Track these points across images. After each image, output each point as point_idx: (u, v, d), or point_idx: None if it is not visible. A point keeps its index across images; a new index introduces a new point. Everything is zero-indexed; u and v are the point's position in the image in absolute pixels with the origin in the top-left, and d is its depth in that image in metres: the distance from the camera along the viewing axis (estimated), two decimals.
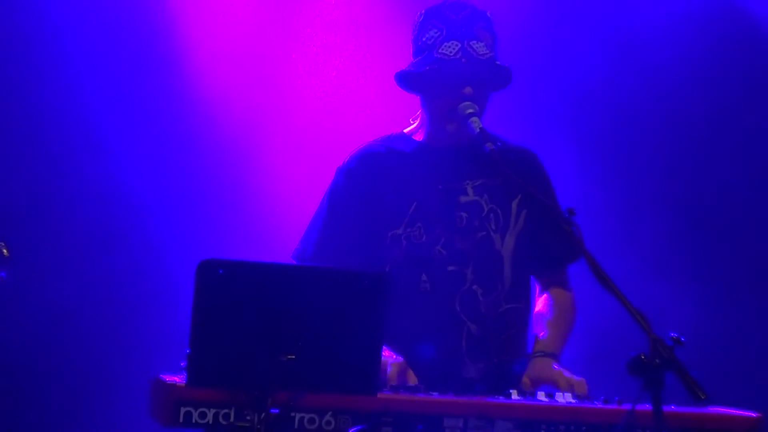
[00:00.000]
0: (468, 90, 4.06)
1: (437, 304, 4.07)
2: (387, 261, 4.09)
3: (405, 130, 4.29)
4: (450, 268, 4.08)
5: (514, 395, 3.53)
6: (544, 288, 4.25)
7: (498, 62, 4.12)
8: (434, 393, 3.49)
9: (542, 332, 4.13)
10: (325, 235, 4.14)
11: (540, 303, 4.22)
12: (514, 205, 4.16)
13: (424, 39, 4.14)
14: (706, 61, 6.30)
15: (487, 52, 4.08)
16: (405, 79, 4.18)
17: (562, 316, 4.18)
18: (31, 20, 5.70)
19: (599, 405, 3.57)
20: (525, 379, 3.96)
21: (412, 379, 3.83)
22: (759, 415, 3.60)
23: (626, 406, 3.47)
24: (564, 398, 3.58)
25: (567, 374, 3.88)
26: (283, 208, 5.82)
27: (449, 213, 4.12)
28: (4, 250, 4.01)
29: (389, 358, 3.82)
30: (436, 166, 4.17)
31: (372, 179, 4.16)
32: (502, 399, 3.50)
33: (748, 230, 6.31)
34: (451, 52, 4.07)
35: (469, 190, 4.16)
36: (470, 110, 4.02)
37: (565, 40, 6.27)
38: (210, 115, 5.92)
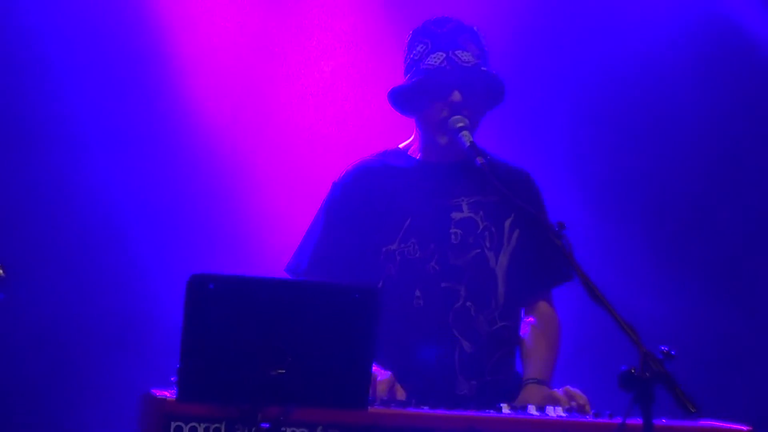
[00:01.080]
0: (456, 95, 4.07)
1: (430, 320, 4.06)
2: (381, 276, 4.09)
3: (401, 146, 4.30)
4: (443, 284, 4.08)
5: (505, 409, 3.53)
6: (531, 308, 4.25)
7: (485, 69, 4.13)
8: (425, 407, 3.49)
9: (533, 357, 4.12)
10: (319, 250, 4.14)
11: (528, 324, 4.22)
12: (507, 224, 4.17)
13: (411, 56, 4.18)
14: (701, 75, 6.33)
15: (473, 60, 4.10)
16: (397, 98, 4.19)
17: (550, 339, 4.19)
18: (14, 22, 5.68)
19: (590, 419, 3.57)
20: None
21: (400, 394, 3.83)
22: (750, 428, 3.60)
23: (617, 420, 3.47)
24: (555, 412, 3.58)
25: (562, 392, 3.87)
26: (273, 222, 5.82)
27: (443, 229, 4.12)
28: (0, 271, 4.01)
29: (377, 372, 3.81)
30: (431, 181, 4.18)
31: (367, 194, 4.16)
32: (492, 413, 3.49)
33: (748, 241, 6.33)
34: (436, 62, 4.09)
35: (464, 207, 4.16)
36: (461, 124, 4.03)
37: (562, 53, 6.28)
38: (201, 129, 5.92)
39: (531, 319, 4.22)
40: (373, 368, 3.74)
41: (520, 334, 4.19)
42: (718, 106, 6.37)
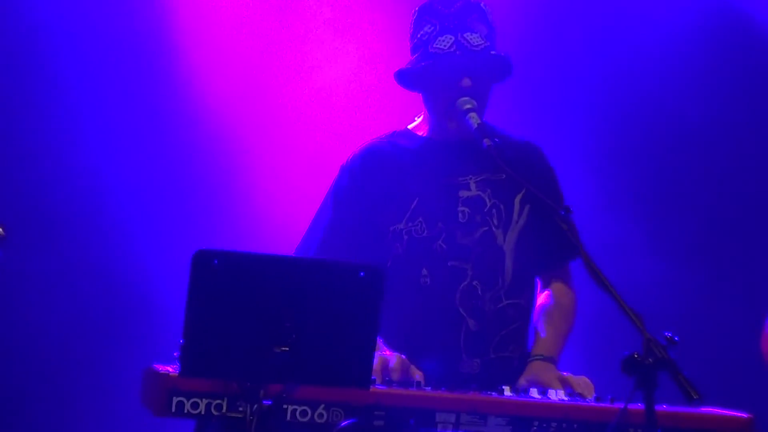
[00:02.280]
0: (466, 81, 4.06)
1: (437, 299, 4.06)
2: (389, 256, 4.09)
3: (409, 126, 4.29)
4: (451, 263, 4.08)
5: (507, 392, 3.53)
6: (546, 284, 4.25)
7: (494, 52, 4.11)
8: (427, 387, 3.49)
9: (542, 333, 4.13)
10: (329, 233, 4.14)
11: (541, 299, 4.22)
12: (517, 200, 4.16)
13: (418, 36, 4.14)
14: (712, 66, 6.32)
15: (482, 42, 4.07)
16: (403, 78, 4.18)
17: (562, 316, 4.18)
18: (18, 19, 5.69)
19: (591, 403, 3.57)
20: (522, 381, 3.95)
21: (420, 375, 3.81)
22: (751, 415, 3.60)
23: (619, 405, 3.47)
24: (557, 395, 3.58)
25: (568, 375, 3.88)
26: (277, 205, 5.82)
27: (451, 208, 4.12)
28: (0, 230, 4.00)
29: (390, 357, 3.80)
30: (439, 161, 4.16)
31: (375, 177, 4.15)
32: (494, 395, 3.50)
33: (753, 230, 6.33)
34: (445, 46, 4.06)
35: (472, 185, 4.15)
36: (468, 105, 4.02)
37: (573, 44, 6.27)
38: (204, 110, 5.91)
39: (544, 294, 4.22)
40: (386, 352, 3.76)
41: (535, 310, 4.19)
42: (728, 97, 6.36)
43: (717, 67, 6.33)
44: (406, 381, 3.59)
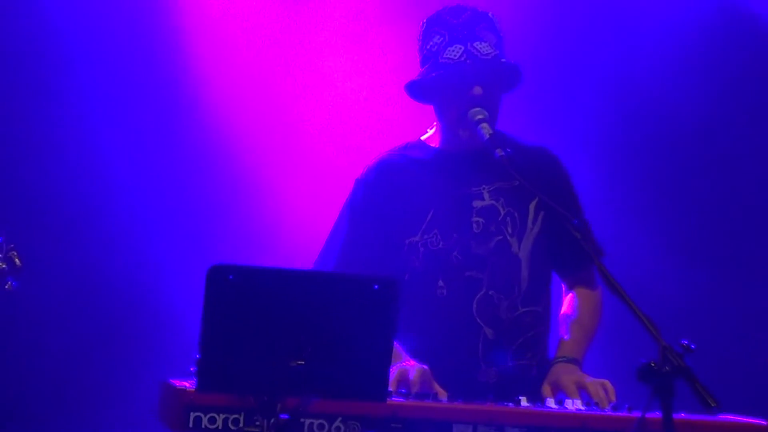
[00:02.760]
0: (477, 90, 4.06)
1: (454, 310, 4.07)
2: (406, 269, 4.09)
3: (422, 138, 4.30)
4: (467, 273, 4.08)
5: (524, 402, 3.53)
6: (569, 288, 4.26)
7: (504, 60, 4.12)
8: (443, 399, 3.49)
9: (564, 336, 4.13)
10: (346, 249, 4.14)
11: (565, 305, 4.23)
12: (531, 206, 4.16)
13: (428, 47, 4.15)
14: (715, 60, 6.32)
15: (492, 50, 4.08)
16: (414, 90, 4.19)
17: (585, 319, 4.18)
18: (32, 22, 5.71)
19: (608, 412, 3.57)
20: (546, 385, 3.95)
21: (439, 391, 3.80)
22: None
23: (636, 414, 3.46)
24: (573, 405, 3.58)
25: (589, 379, 3.88)
26: (292, 217, 5.83)
27: (465, 218, 4.12)
28: (17, 260, 4.02)
29: (410, 367, 3.80)
30: (452, 172, 4.17)
31: (390, 190, 4.16)
32: (511, 405, 3.49)
33: (761, 229, 6.32)
34: (455, 56, 4.07)
35: (485, 195, 4.15)
36: (480, 116, 4.02)
37: (579, 40, 6.26)
38: (218, 121, 5.92)
39: (568, 298, 4.24)
40: (410, 362, 3.76)
41: (561, 311, 4.20)
42: (732, 94, 6.35)
43: (720, 65, 6.32)
44: (424, 393, 3.59)
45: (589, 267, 4.20)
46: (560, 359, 4.07)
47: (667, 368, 3.11)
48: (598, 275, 3.45)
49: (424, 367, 3.83)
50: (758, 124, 6.37)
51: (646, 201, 6.33)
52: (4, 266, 4.02)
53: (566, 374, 3.96)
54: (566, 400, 3.62)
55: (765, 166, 6.36)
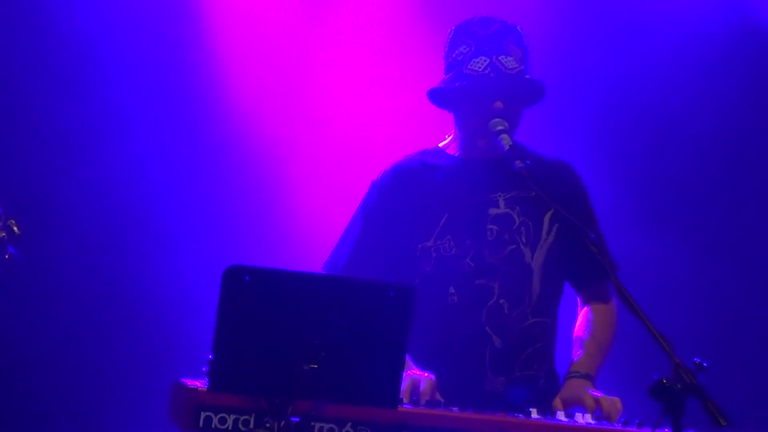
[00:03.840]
0: (498, 104, 4.06)
1: (463, 317, 4.06)
2: (417, 273, 4.09)
3: (440, 145, 4.30)
4: (478, 281, 4.08)
5: (534, 414, 3.53)
6: (585, 302, 4.25)
7: (528, 76, 4.12)
8: (454, 408, 3.49)
9: (578, 352, 4.12)
10: (357, 249, 4.15)
11: (579, 318, 4.22)
12: (546, 218, 4.16)
13: (453, 55, 4.15)
14: (728, 72, 6.32)
15: (517, 66, 4.08)
16: (436, 96, 4.19)
17: (599, 334, 4.17)
18: (63, 22, 5.73)
19: (619, 427, 3.56)
20: (557, 400, 3.94)
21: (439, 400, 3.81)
22: None
23: (646, 430, 3.46)
24: (584, 419, 3.57)
25: (602, 396, 3.86)
26: (306, 218, 5.84)
27: (479, 226, 4.12)
28: (15, 228, 4.03)
29: (420, 378, 3.80)
30: (469, 179, 4.17)
31: (405, 194, 4.16)
32: (521, 417, 3.49)
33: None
34: (479, 68, 4.07)
35: (501, 203, 4.15)
36: (500, 127, 4.02)
37: (590, 53, 6.27)
38: (237, 122, 5.95)
39: (583, 312, 4.23)
40: (415, 371, 3.76)
41: (575, 327, 4.18)
42: (741, 103, 6.35)
43: (725, 72, 6.32)
44: (434, 402, 3.59)
45: (604, 281, 4.21)
46: (574, 374, 4.06)
47: (679, 385, 3.11)
48: (614, 289, 3.44)
49: (432, 377, 3.84)
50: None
51: (657, 211, 6.32)
52: (3, 235, 4.03)
53: (580, 389, 3.95)
54: (576, 413, 3.61)
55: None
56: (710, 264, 6.27)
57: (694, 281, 6.22)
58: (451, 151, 4.25)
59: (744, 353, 6.07)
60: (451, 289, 4.07)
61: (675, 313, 5.79)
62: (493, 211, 4.14)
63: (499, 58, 4.07)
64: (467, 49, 4.11)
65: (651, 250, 6.17)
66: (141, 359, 5.62)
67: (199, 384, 3.27)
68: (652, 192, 6.37)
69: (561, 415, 3.58)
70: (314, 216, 5.80)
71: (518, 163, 3.92)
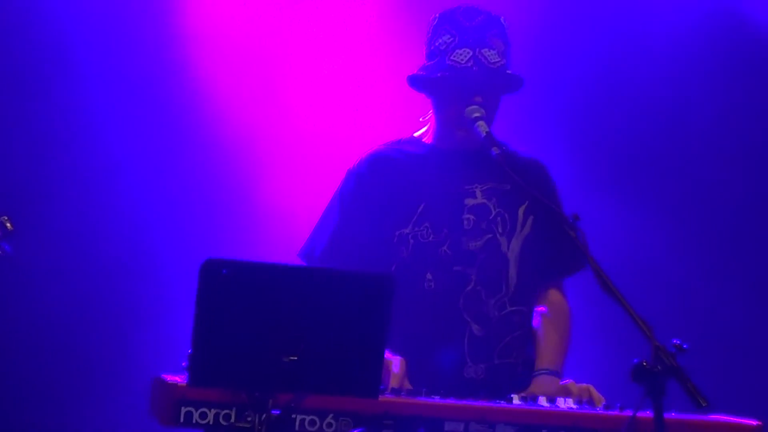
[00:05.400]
0: (478, 99, 4.07)
1: (441, 304, 4.07)
2: (394, 260, 4.09)
3: (415, 134, 4.30)
4: (455, 268, 4.09)
5: (516, 400, 3.53)
6: (542, 297, 4.25)
7: (509, 71, 4.14)
8: (435, 396, 3.49)
9: (542, 347, 4.12)
10: (334, 236, 4.14)
11: (540, 314, 4.22)
12: (521, 210, 4.17)
13: (437, 44, 4.15)
14: (708, 68, 6.34)
15: (499, 59, 4.09)
16: (417, 83, 4.19)
17: (561, 329, 4.19)
18: (36, 20, 5.71)
19: (601, 411, 3.57)
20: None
21: (406, 385, 3.81)
22: (759, 422, 3.60)
23: (628, 413, 3.47)
24: (565, 404, 3.58)
25: (573, 386, 3.87)
26: (282, 208, 5.83)
27: (456, 215, 4.12)
28: (8, 224, 4.02)
29: (391, 361, 3.80)
30: (446, 168, 4.17)
31: (382, 181, 4.16)
32: (503, 404, 3.49)
33: (754, 236, 6.34)
34: (462, 60, 4.08)
35: (478, 193, 4.16)
36: (477, 114, 4.03)
37: (570, 47, 6.28)
38: (211, 113, 5.92)
39: (542, 308, 4.22)
40: (388, 355, 3.76)
41: (533, 323, 4.19)
42: (726, 98, 6.38)
43: (704, 62, 6.35)
44: (415, 390, 3.59)
45: (563, 278, 4.25)
46: (543, 371, 4.07)
47: (659, 368, 3.12)
48: (593, 274, 3.44)
49: (401, 362, 3.83)
50: (753, 126, 6.40)
51: (635, 196, 6.34)
52: None
53: (551, 386, 3.95)
54: (558, 398, 3.62)
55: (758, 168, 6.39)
56: (686, 247, 6.29)
57: (671, 265, 6.24)
58: (427, 141, 4.25)
59: (721, 335, 6.09)
60: (428, 275, 4.08)
61: (653, 297, 5.80)
62: (469, 201, 4.15)
63: (482, 51, 4.08)
64: (451, 39, 4.12)
65: (628, 235, 6.18)
66: (120, 355, 5.60)
67: (179, 379, 3.26)
68: (629, 177, 6.38)
69: (543, 401, 3.58)
70: (290, 206, 5.78)
71: (495, 149, 3.93)
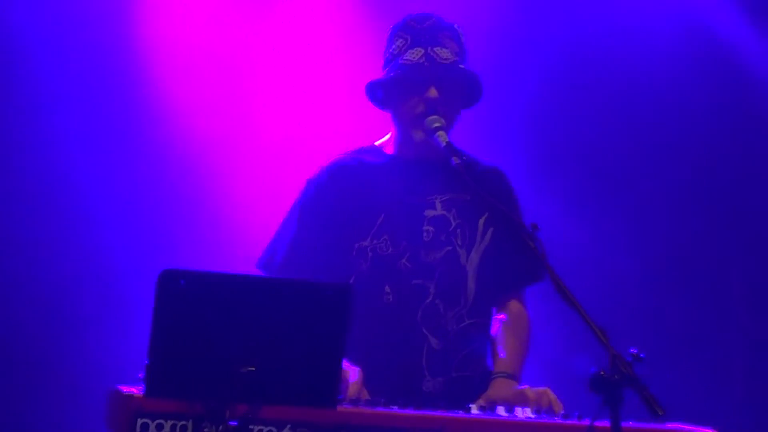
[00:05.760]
0: (432, 92, 4.07)
1: (399, 317, 4.06)
2: (352, 272, 4.08)
3: (376, 143, 4.30)
4: (414, 281, 4.08)
5: (474, 409, 3.53)
6: (502, 307, 4.24)
7: (462, 66, 4.13)
8: (394, 407, 3.48)
9: (501, 352, 4.12)
10: (293, 246, 4.13)
11: (499, 321, 4.22)
12: (481, 221, 4.17)
13: (390, 50, 4.18)
14: (673, 76, 6.39)
15: (451, 56, 4.10)
16: (374, 91, 4.19)
17: (520, 336, 4.19)
18: None
19: (558, 420, 3.57)
20: (483, 399, 3.94)
21: (364, 395, 3.80)
22: (715, 431, 3.62)
23: (585, 422, 3.48)
24: (523, 413, 3.58)
25: (530, 390, 3.88)
26: (240, 218, 5.81)
27: (416, 226, 4.12)
28: None
29: (348, 371, 3.80)
30: (405, 179, 4.17)
31: (341, 192, 4.15)
32: (461, 413, 3.49)
33: (715, 245, 6.39)
34: (414, 57, 4.09)
35: (437, 205, 4.16)
36: (437, 124, 4.04)
37: (530, 54, 6.31)
38: (168, 123, 5.91)
39: (502, 316, 4.22)
40: (346, 365, 3.75)
41: (491, 331, 4.19)
42: (689, 105, 6.43)
43: (679, 75, 6.41)
44: (374, 401, 3.58)
45: (523, 288, 4.25)
46: (500, 374, 4.06)
47: (616, 377, 3.13)
48: (552, 283, 3.45)
49: (359, 372, 3.83)
50: (727, 132, 6.46)
51: (591, 204, 6.39)
52: None
53: (508, 388, 3.96)
54: (516, 408, 3.62)
55: (731, 173, 6.44)
56: (644, 254, 6.33)
57: (630, 271, 6.28)
58: (387, 150, 4.25)
59: (678, 343, 6.13)
60: (387, 289, 4.07)
61: (613, 303, 5.83)
62: (429, 212, 4.15)
63: (434, 49, 4.10)
64: (403, 42, 4.14)
65: (588, 241, 6.21)
66: (76, 366, 5.56)
67: (136, 390, 3.24)
68: (589, 183, 6.42)
69: (501, 410, 3.58)
70: (249, 215, 5.77)
71: (455, 159, 3.94)
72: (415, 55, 4.09)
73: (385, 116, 4.27)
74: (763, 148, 6.55)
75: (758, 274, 6.46)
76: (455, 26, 4.20)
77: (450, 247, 4.12)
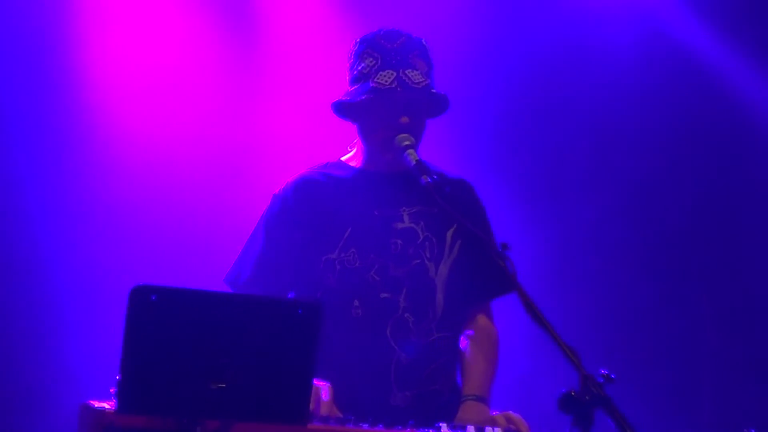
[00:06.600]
0: (404, 119, 4.08)
1: (368, 331, 4.06)
2: (320, 286, 4.08)
3: (342, 158, 4.29)
4: (383, 295, 4.08)
5: (444, 429, 3.53)
6: (470, 321, 4.25)
7: (434, 90, 4.14)
8: (364, 424, 3.48)
9: (470, 373, 4.13)
10: (260, 263, 4.12)
11: (466, 339, 4.22)
12: (449, 234, 4.18)
13: (359, 68, 4.15)
14: (636, 85, 6.45)
15: (423, 80, 4.10)
16: (341, 109, 4.19)
17: (488, 355, 4.19)
18: None
19: None
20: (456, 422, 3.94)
21: (335, 412, 3.80)
22: None
23: None
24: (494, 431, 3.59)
25: (497, 415, 3.89)
26: (208, 233, 5.80)
27: (384, 239, 4.12)
28: None
29: (320, 387, 3.79)
30: (373, 192, 4.17)
31: (308, 206, 4.15)
32: (431, 431, 3.49)
33: (684, 255, 6.43)
34: (386, 81, 4.07)
35: (405, 217, 4.16)
36: (407, 142, 4.04)
37: (495, 65, 6.35)
38: (140, 139, 5.88)
39: (469, 332, 4.22)
40: (316, 382, 3.74)
41: (460, 347, 4.20)
42: (653, 113, 6.49)
43: (642, 83, 6.48)
44: (343, 418, 3.58)
45: (489, 301, 4.26)
46: (471, 397, 4.07)
47: (587, 397, 3.14)
48: (521, 301, 3.46)
49: (329, 389, 3.82)
50: (686, 138, 6.52)
51: (560, 217, 6.42)
52: None
53: (480, 414, 3.97)
54: (486, 427, 3.63)
55: (691, 178, 6.49)
56: (617, 272, 6.36)
57: (600, 290, 6.31)
58: (353, 164, 4.25)
59: (650, 360, 6.17)
60: (356, 302, 4.07)
61: (582, 324, 5.86)
62: (397, 225, 4.15)
63: (406, 72, 4.09)
64: (374, 62, 4.12)
65: (556, 250, 6.24)
66: (46, 380, 5.52)
67: (107, 405, 3.22)
68: (556, 192, 6.45)
69: (471, 430, 3.58)
70: (216, 231, 5.76)
71: (425, 178, 3.94)
72: (386, 78, 4.08)
73: (349, 130, 4.27)
74: (725, 152, 6.61)
75: (723, 283, 6.52)
76: (423, 41, 4.19)
77: (418, 260, 4.13)
